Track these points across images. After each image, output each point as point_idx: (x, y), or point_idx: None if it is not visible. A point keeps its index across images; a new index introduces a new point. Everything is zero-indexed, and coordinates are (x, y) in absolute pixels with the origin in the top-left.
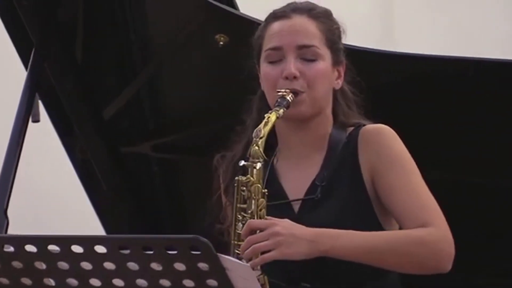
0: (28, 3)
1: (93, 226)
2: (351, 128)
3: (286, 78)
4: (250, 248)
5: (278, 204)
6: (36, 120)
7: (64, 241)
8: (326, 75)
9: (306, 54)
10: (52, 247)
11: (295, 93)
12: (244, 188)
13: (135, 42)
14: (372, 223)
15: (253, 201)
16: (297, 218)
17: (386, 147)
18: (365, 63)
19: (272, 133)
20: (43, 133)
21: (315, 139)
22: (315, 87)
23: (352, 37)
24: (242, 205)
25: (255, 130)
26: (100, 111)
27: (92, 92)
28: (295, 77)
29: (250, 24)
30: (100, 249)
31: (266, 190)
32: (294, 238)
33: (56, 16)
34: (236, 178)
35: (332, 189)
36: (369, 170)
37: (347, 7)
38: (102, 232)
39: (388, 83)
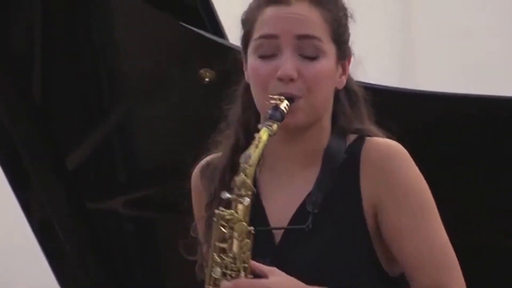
0: None
1: None
2: (353, 137)
3: (281, 79)
4: None
5: (258, 231)
6: None
7: None
8: (329, 76)
9: (306, 48)
10: None
11: (291, 98)
12: (226, 224)
13: (104, 77)
14: (371, 264)
15: (235, 242)
16: (278, 252)
17: (396, 176)
18: (385, 102)
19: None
20: None
21: (307, 153)
22: (315, 92)
23: (370, 75)
24: (221, 245)
25: (243, 155)
26: (62, 160)
27: (52, 138)
28: (292, 79)
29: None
30: None
31: (252, 228)
32: None
33: (8, 45)
34: (216, 211)
35: (324, 219)
36: (372, 202)
37: (366, 42)
38: None
39: (409, 124)
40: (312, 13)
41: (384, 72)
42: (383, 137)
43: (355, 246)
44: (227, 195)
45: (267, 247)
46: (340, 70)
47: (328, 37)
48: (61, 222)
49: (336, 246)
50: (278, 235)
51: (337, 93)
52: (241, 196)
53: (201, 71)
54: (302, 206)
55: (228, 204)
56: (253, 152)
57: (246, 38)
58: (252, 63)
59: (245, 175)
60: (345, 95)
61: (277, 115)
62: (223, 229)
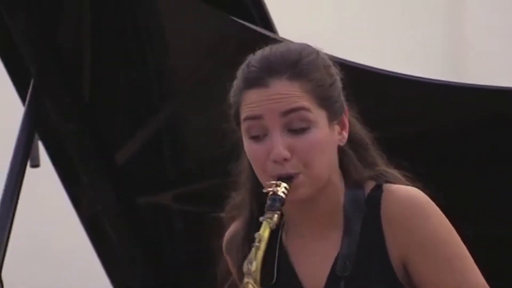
0: (26, 26)
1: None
2: (370, 185)
3: (275, 162)
4: None
5: None
6: (35, 165)
7: None
8: (325, 144)
9: (294, 122)
10: None
11: (290, 177)
12: None
13: (153, 74)
14: None
15: None
16: None
17: (422, 230)
18: (428, 97)
19: None
20: (43, 181)
21: (325, 215)
22: (312, 164)
23: (412, 66)
24: None
25: (245, 264)
26: (111, 155)
27: (101, 133)
28: (285, 159)
29: None
30: None
31: None
32: None
33: (58, 43)
34: None
35: (356, 280)
36: (399, 255)
37: (408, 30)
38: None
39: (453, 120)
40: (292, 88)
41: (434, 68)
42: (400, 180)
43: None
44: None
45: None
46: (337, 128)
47: (315, 105)
48: (111, 218)
49: None
50: None
51: (341, 149)
52: None
53: None
54: (333, 271)
55: None
56: (255, 258)
57: (236, 119)
58: (247, 145)
59: (250, 282)
60: (350, 147)
61: (276, 205)
62: None
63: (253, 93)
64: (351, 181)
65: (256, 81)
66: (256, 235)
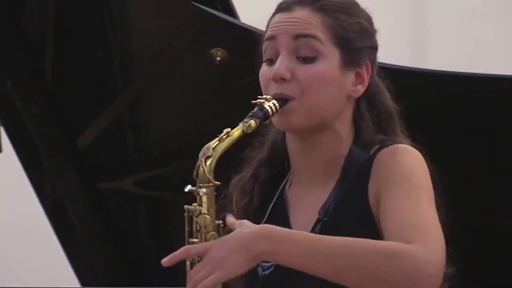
0: None
1: (66, 276)
2: (376, 148)
3: (274, 80)
4: (190, 284)
5: None
6: None
7: None
8: (328, 79)
9: (302, 49)
10: None
11: (284, 99)
12: (194, 218)
13: (115, 58)
14: None
15: (202, 235)
16: None
17: (393, 166)
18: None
19: (285, 150)
20: (5, 166)
21: (325, 161)
22: (309, 94)
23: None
24: (193, 240)
25: (203, 148)
26: (73, 140)
27: (64, 118)
28: (284, 79)
29: (252, 36)
30: None
31: (220, 222)
32: (228, 252)
33: (20, 27)
34: (185, 206)
35: (335, 224)
36: (375, 196)
37: (374, 19)
38: (76, 283)
39: (418, 105)
40: (312, 18)
41: (395, 52)
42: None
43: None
44: (189, 187)
45: None
46: (353, 77)
47: (330, 41)
48: (73, 202)
49: None
50: None
51: (358, 104)
52: (202, 187)
53: (213, 50)
54: (318, 217)
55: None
56: (216, 145)
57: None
58: (261, 69)
59: (203, 169)
60: (367, 106)
61: (258, 114)
62: (193, 224)
63: (277, 17)
64: (361, 140)
65: (284, 5)
66: (225, 129)
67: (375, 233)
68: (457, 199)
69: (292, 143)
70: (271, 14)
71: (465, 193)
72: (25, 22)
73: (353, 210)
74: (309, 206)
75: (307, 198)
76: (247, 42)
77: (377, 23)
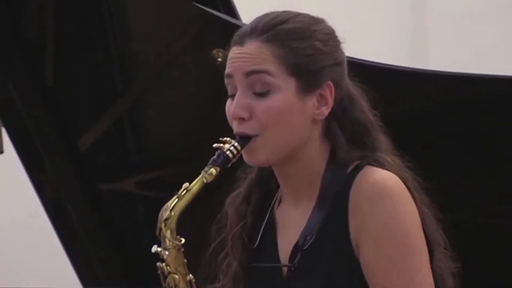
0: None
1: (67, 276)
2: (354, 164)
3: (234, 120)
4: None
5: (268, 267)
6: None
7: None
8: (285, 110)
9: (256, 85)
10: None
11: (246, 137)
12: (165, 276)
13: (116, 60)
14: None
15: None
16: (284, 286)
17: (371, 219)
18: (394, 83)
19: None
20: (7, 167)
21: (304, 185)
22: (270, 129)
23: (380, 53)
24: None
25: (162, 209)
26: (74, 141)
27: (65, 119)
28: (243, 119)
29: None
30: None
31: (192, 277)
32: None
33: (21, 28)
34: (157, 264)
35: (314, 254)
36: (355, 239)
37: (374, 20)
38: (77, 283)
39: (418, 105)
40: (263, 50)
41: (395, 52)
42: (389, 166)
43: (347, 281)
44: (155, 248)
45: (277, 283)
46: (315, 101)
47: (282, 71)
48: (74, 203)
49: (327, 282)
50: (285, 271)
51: (328, 125)
52: (166, 249)
53: (214, 51)
54: (297, 242)
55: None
56: (170, 205)
57: None
58: (226, 103)
59: (163, 232)
60: (338, 124)
61: (218, 160)
62: (164, 282)
63: (232, 51)
64: (336, 159)
65: (237, 39)
66: (184, 184)
67: (354, 265)
68: (456, 200)
69: (273, 169)
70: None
71: (465, 194)
72: (25, 23)
73: (333, 241)
74: (293, 229)
75: (292, 220)
76: None
77: (378, 24)
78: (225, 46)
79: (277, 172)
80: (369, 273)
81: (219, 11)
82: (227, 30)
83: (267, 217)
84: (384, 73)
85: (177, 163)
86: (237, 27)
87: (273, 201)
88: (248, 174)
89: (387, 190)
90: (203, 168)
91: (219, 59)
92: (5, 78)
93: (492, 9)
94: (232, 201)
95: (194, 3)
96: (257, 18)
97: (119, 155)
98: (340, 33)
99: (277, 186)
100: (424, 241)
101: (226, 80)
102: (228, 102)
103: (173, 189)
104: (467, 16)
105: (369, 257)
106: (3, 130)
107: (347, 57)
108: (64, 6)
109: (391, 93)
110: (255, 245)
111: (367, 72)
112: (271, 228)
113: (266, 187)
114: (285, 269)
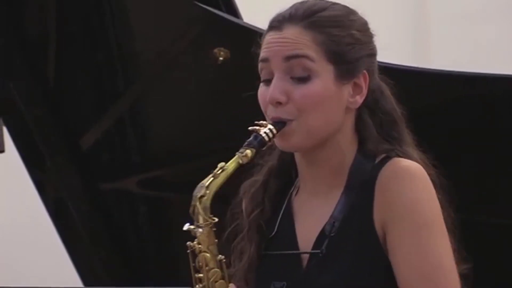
0: None
1: (68, 276)
2: (382, 157)
3: (271, 104)
4: None
5: (287, 254)
6: (0, 150)
7: None
8: (323, 97)
9: (295, 69)
10: None
11: (282, 122)
12: (196, 255)
13: (117, 59)
14: (390, 280)
15: (205, 272)
16: (305, 274)
17: (398, 196)
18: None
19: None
20: (8, 166)
21: (329, 173)
22: (307, 114)
23: (381, 52)
24: (199, 275)
25: (197, 186)
26: (76, 140)
27: (66, 119)
28: (280, 103)
29: (255, 36)
30: None
31: (222, 257)
32: None
33: (22, 27)
34: (188, 243)
35: (341, 241)
36: (381, 223)
37: (376, 20)
38: (78, 283)
39: (421, 105)
40: (303, 36)
41: (397, 52)
42: (415, 160)
43: (372, 269)
44: (188, 226)
45: (295, 272)
46: (350, 89)
47: (322, 58)
48: (75, 202)
49: (353, 270)
50: (305, 259)
51: (360, 113)
52: (199, 226)
53: (215, 50)
54: (322, 231)
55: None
56: (209, 183)
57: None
58: (259, 88)
59: (197, 209)
60: (369, 114)
61: (253, 142)
62: (196, 260)
63: (269, 36)
64: (365, 150)
65: (275, 24)
66: (220, 164)
67: (381, 252)
68: (461, 200)
69: (297, 156)
70: (274, 14)
71: (469, 193)
72: (27, 23)
73: (358, 229)
74: (314, 218)
75: (312, 208)
76: (250, 42)
77: (379, 24)
78: (227, 45)
79: (303, 158)
80: (393, 252)
81: (221, 10)
82: (229, 30)
83: (284, 205)
84: (388, 72)
85: (178, 162)
86: (239, 26)
87: (291, 190)
88: (267, 162)
89: (413, 174)
90: (203, 168)
91: (221, 58)
92: (7, 78)
93: (492, 9)
94: (249, 188)
95: (196, 2)
96: (294, 5)
97: (120, 154)
98: None
99: (296, 175)
100: (445, 228)
101: (261, 65)
102: (262, 87)
103: (174, 189)
104: (467, 16)
105: (394, 236)
106: (5, 130)
107: None
108: (65, 6)
109: (394, 92)
110: (273, 232)
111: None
112: (289, 216)
113: (286, 176)
114: (304, 257)
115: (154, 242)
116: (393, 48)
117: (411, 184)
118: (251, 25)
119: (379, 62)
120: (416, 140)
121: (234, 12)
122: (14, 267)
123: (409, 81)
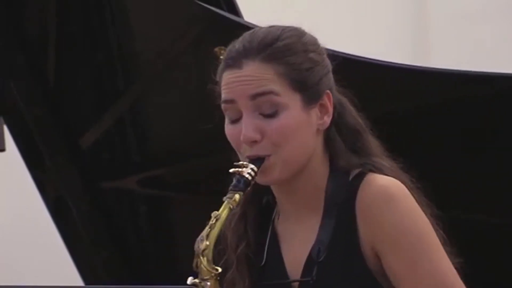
0: None
1: (69, 275)
2: (355, 172)
3: (246, 143)
4: None
5: (279, 284)
6: (1, 149)
7: None
8: (296, 127)
9: (263, 106)
10: None
11: (260, 159)
12: None
13: (117, 59)
14: None
15: None
16: None
17: (385, 221)
18: (396, 81)
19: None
20: (9, 165)
21: (307, 198)
22: (283, 146)
23: (382, 52)
24: None
25: (197, 240)
26: (76, 140)
27: (66, 118)
28: (255, 141)
29: None
30: None
31: None
32: None
33: (22, 27)
34: None
35: (329, 266)
36: (369, 245)
37: (377, 19)
38: (79, 282)
39: (421, 104)
40: (264, 70)
41: (397, 52)
42: (389, 170)
43: (362, 285)
44: (191, 279)
45: None
46: (317, 112)
47: (287, 89)
48: (76, 202)
49: None
50: (295, 286)
51: (327, 134)
52: (205, 280)
53: (216, 49)
54: (309, 257)
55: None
56: (207, 236)
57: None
58: (226, 127)
59: (202, 263)
60: (341, 133)
61: (239, 185)
62: None
63: (228, 75)
64: (337, 168)
65: (232, 62)
66: (213, 213)
67: (368, 273)
68: (456, 198)
69: (273, 186)
70: (274, 12)
71: (465, 192)
72: (27, 23)
73: (344, 253)
74: (299, 243)
75: (295, 233)
76: None
77: (379, 24)
78: (228, 44)
79: (279, 188)
80: (395, 278)
81: (222, 9)
82: (230, 29)
83: (269, 233)
84: (387, 71)
85: (178, 161)
86: (239, 25)
87: (273, 216)
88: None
89: (393, 195)
90: (203, 167)
91: (222, 57)
92: (7, 77)
93: (492, 9)
94: (228, 223)
95: (197, 1)
96: (245, 38)
97: (120, 154)
98: (341, 33)
99: (274, 200)
100: (435, 235)
101: (225, 106)
102: (230, 127)
103: (175, 188)
104: (467, 16)
105: (391, 263)
106: (5, 129)
107: (351, 55)
108: (65, 6)
109: (395, 91)
110: (263, 262)
111: (370, 71)
112: (275, 243)
113: (261, 202)
114: (295, 284)
115: (154, 242)
116: (393, 48)
117: (395, 207)
118: (252, 24)
119: (379, 62)
120: (383, 145)
121: (235, 11)
122: (14, 266)
123: (409, 80)
